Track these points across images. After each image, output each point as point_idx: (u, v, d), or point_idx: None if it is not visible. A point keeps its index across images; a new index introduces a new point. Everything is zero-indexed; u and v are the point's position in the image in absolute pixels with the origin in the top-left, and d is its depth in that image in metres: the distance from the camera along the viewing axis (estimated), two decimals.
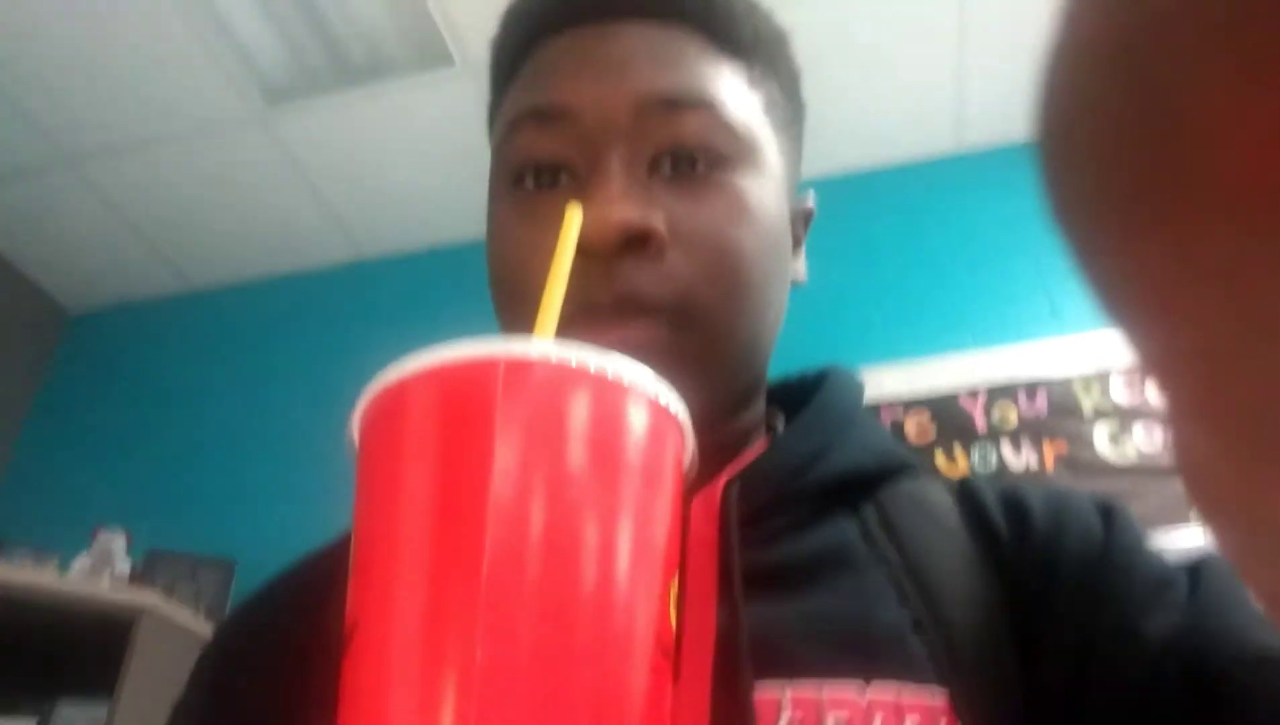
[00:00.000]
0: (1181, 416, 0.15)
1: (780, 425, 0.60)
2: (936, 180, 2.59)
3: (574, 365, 0.31)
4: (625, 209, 0.47)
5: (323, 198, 2.78)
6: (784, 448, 0.53)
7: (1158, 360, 0.15)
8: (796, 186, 0.62)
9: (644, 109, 0.51)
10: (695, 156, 0.51)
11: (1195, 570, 0.46)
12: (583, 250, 0.46)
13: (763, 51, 0.58)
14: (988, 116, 2.52)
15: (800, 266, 0.62)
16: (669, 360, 0.47)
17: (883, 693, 0.41)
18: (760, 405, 0.58)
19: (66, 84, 2.42)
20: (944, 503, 0.54)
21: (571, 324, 0.45)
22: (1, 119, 2.50)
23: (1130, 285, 0.14)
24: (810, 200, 0.64)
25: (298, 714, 0.45)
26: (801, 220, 0.63)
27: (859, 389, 0.61)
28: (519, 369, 0.30)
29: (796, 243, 0.62)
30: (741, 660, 0.40)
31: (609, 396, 0.31)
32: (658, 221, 0.48)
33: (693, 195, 0.51)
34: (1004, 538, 0.51)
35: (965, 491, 0.55)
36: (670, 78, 0.52)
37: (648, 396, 0.32)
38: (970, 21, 2.28)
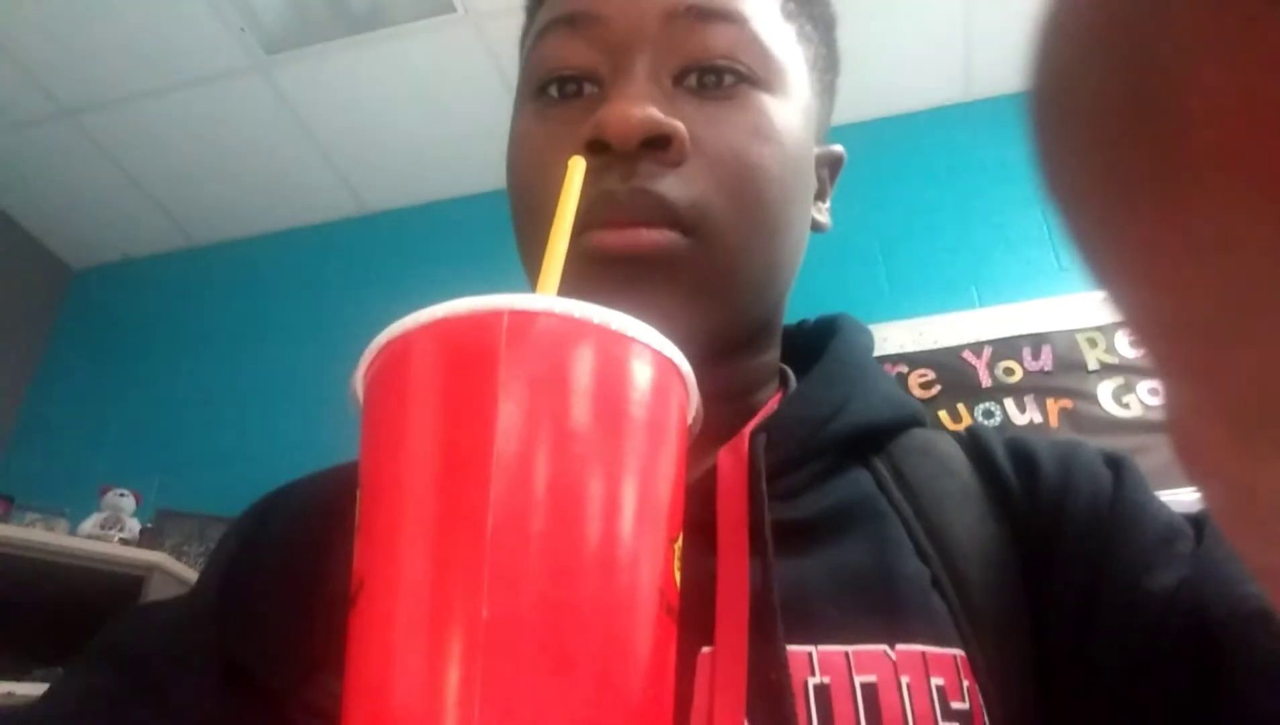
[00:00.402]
0: (1170, 381, 0.15)
1: (790, 375, 0.59)
2: (942, 131, 2.57)
3: (577, 316, 0.30)
4: (649, 108, 0.47)
5: (324, 150, 2.77)
6: (807, 398, 0.54)
7: (1147, 326, 0.15)
8: (826, 132, 0.62)
9: (673, 17, 0.50)
10: (721, 70, 0.51)
11: (1199, 522, 0.46)
12: (603, 145, 0.46)
13: None
14: (995, 66, 2.49)
15: (824, 214, 0.62)
16: (683, 273, 0.47)
17: (909, 655, 0.42)
18: (775, 351, 0.58)
19: (66, 37, 2.40)
20: (954, 453, 0.54)
21: (589, 215, 0.46)
22: (1, 73, 2.48)
23: (1120, 257, 0.14)
24: (840, 148, 0.64)
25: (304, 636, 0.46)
26: (828, 166, 0.63)
27: (869, 338, 0.62)
28: (522, 320, 0.30)
29: (822, 189, 0.62)
30: (776, 620, 0.41)
31: (613, 349, 0.31)
32: (681, 127, 0.48)
33: (716, 110, 0.50)
34: (1013, 489, 0.51)
35: (974, 441, 0.55)
36: None
37: (651, 348, 0.32)
38: None
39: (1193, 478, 0.16)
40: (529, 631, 0.26)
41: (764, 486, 0.45)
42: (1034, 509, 0.49)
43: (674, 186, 0.47)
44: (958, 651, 0.43)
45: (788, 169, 0.52)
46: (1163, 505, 0.48)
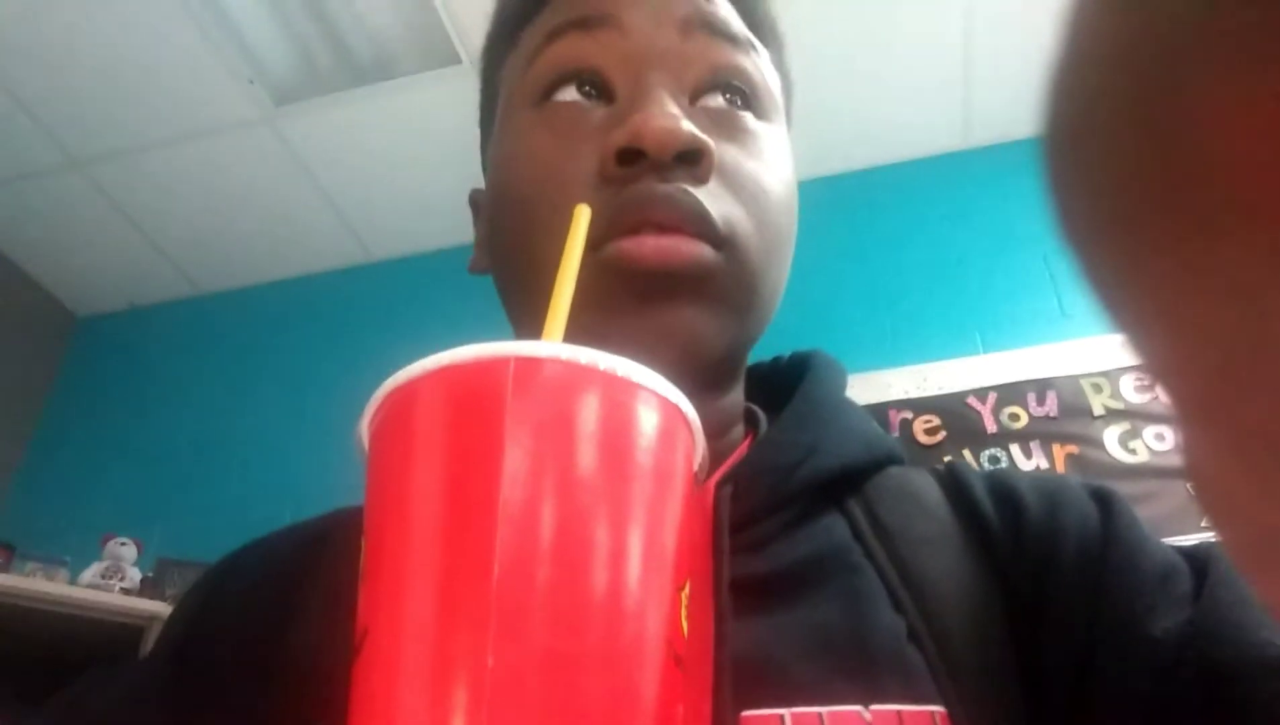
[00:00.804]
0: (1189, 423, 0.15)
1: (760, 416, 0.57)
2: (943, 178, 2.59)
3: (584, 363, 0.30)
4: (687, 121, 0.46)
5: (331, 199, 2.79)
6: (776, 443, 0.52)
7: (1166, 370, 0.15)
8: None
9: (691, 29, 0.51)
10: (736, 92, 0.51)
11: (1199, 560, 0.44)
12: (636, 154, 0.46)
13: (776, 44, 0.58)
14: (994, 114, 2.51)
15: None
16: (714, 291, 0.47)
17: (884, 716, 0.40)
18: (740, 391, 0.56)
19: (75, 87, 2.44)
20: (931, 492, 0.52)
21: (612, 224, 0.45)
22: (10, 122, 2.52)
23: (1139, 300, 0.14)
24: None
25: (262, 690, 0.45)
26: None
27: (843, 375, 0.60)
28: (529, 367, 0.30)
29: None
30: (726, 687, 0.39)
31: (619, 395, 0.31)
32: (713, 144, 0.47)
33: (734, 134, 0.50)
34: (995, 530, 0.49)
35: (952, 479, 0.53)
36: (718, 6, 0.52)
37: (658, 395, 0.32)
38: (977, 19, 2.27)
39: (1211, 518, 0.16)
40: (535, 682, 0.26)
41: (725, 538, 0.44)
42: (1019, 551, 0.48)
43: (706, 200, 0.47)
44: (936, 708, 0.41)
45: (790, 199, 0.53)
46: (1156, 542, 0.46)
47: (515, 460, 0.28)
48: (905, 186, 2.61)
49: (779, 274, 0.52)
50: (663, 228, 0.45)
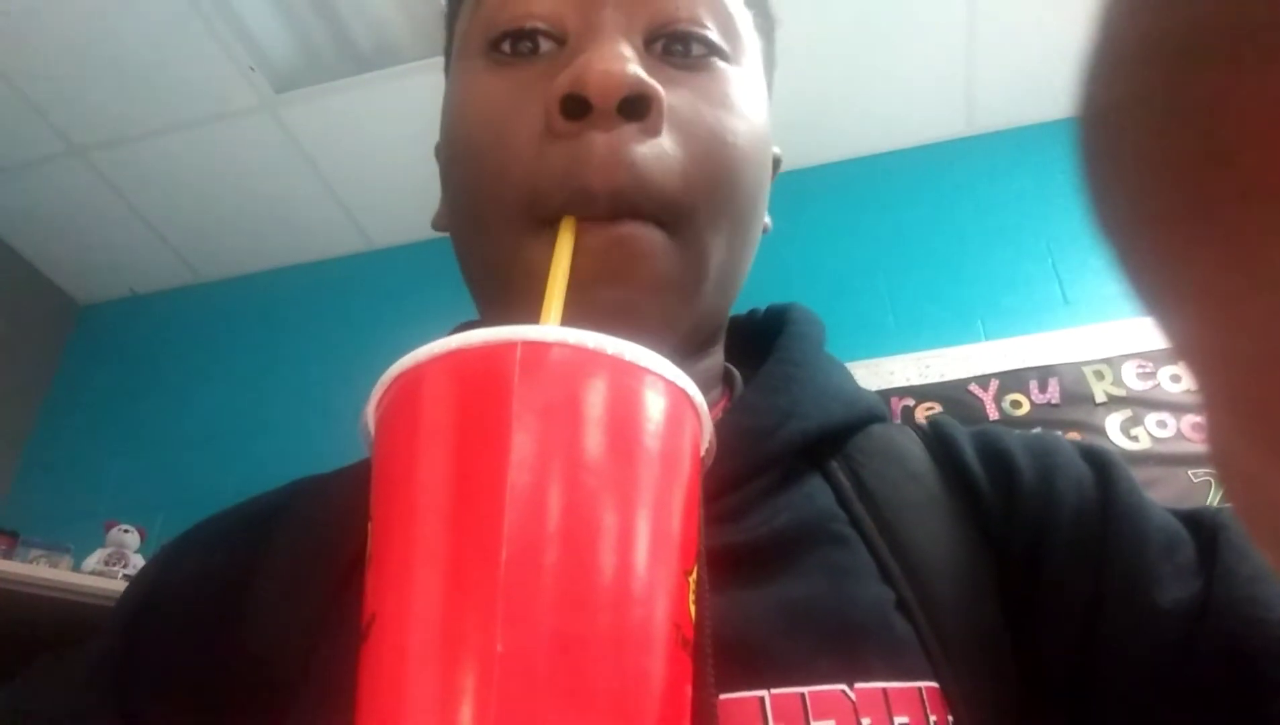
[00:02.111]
0: (1217, 409, 0.15)
1: (737, 377, 0.55)
2: (946, 165, 2.58)
3: (591, 347, 0.30)
4: (633, 65, 0.43)
5: (331, 186, 2.78)
6: (751, 407, 0.49)
7: (1196, 356, 0.15)
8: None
9: None
10: (693, 37, 0.48)
11: (1203, 527, 0.43)
12: (580, 103, 0.43)
13: None
14: (998, 101, 2.50)
15: (767, 215, 0.58)
16: (660, 267, 0.44)
17: (869, 694, 0.38)
18: (719, 353, 0.54)
19: (75, 74, 2.43)
20: (916, 453, 0.50)
21: (565, 184, 0.42)
22: (10, 110, 2.51)
23: (1173, 284, 0.14)
24: (777, 150, 0.60)
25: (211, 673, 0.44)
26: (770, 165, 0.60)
27: (820, 328, 0.57)
28: (536, 351, 0.30)
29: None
30: (707, 668, 0.37)
31: (626, 380, 0.31)
32: (661, 91, 0.44)
33: (689, 80, 0.47)
34: (985, 493, 0.47)
35: (938, 438, 0.51)
36: None
37: (665, 379, 0.32)
38: (980, 5, 2.26)
39: (1236, 505, 0.16)
40: (543, 665, 0.26)
41: (699, 509, 0.43)
42: (1012, 515, 0.46)
43: (655, 160, 0.44)
44: (925, 684, 0.40)
45: (757, 149, 0.49)
46: (1157, 507, 0.45)
47: (522, 444, 0.28)
48: (907, 173, 2.60)
49: (741, 243, 0.49)
50: (602, 192, 0.43)
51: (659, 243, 0.44)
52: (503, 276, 0.47)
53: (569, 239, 0.40)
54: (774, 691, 0.38)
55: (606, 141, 0.43)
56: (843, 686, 0.38)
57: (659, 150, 0.44)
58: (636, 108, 0.43)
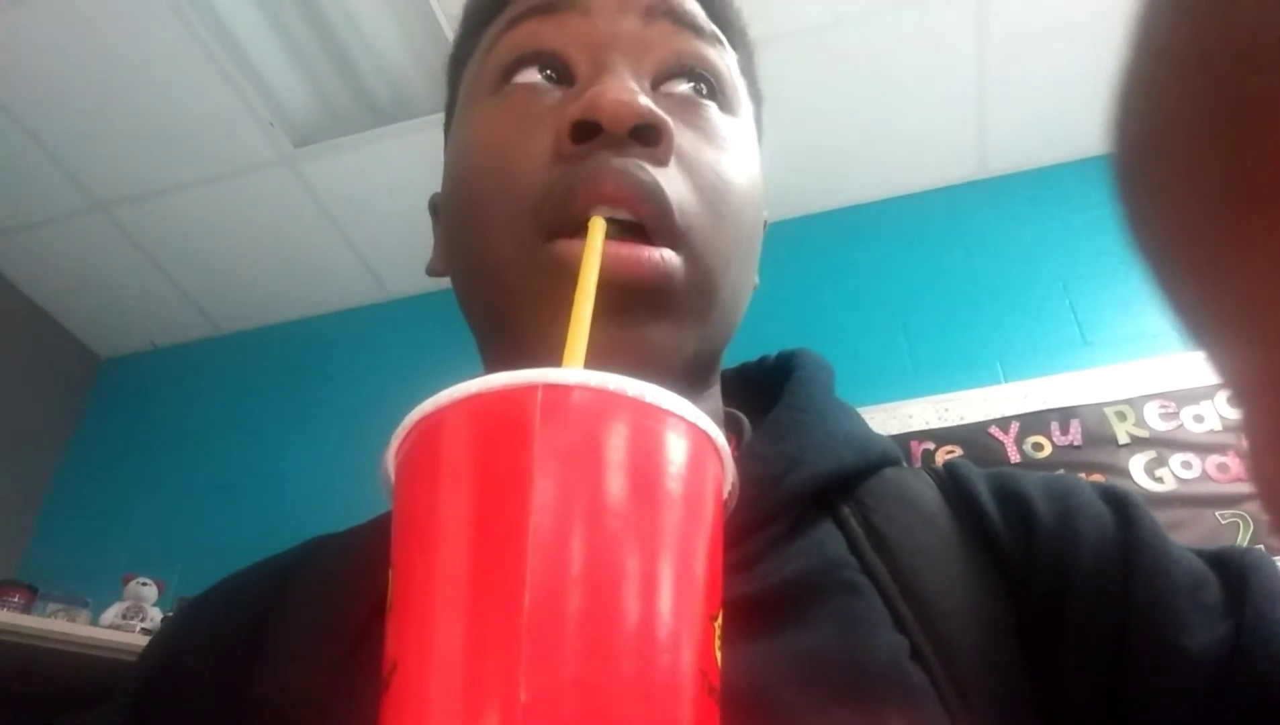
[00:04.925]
0: (1265, 443, 0.15)
1: (744, 423, 0.55)
2: (960, 208, 2.59)
3: (612, 389, 0.30)
4: (646, 99, 0.44)
5: (350, 239, 2.81)
6: (759, 455, 0.49)
7: (1244, 383, 0.14)
8: None
9: (655, 16, 0.49)
10: (699, 80, 0.49)
11: (1228, 568, 0.42)
12: (591, 128, 0.44)
13: (745, 50, 0.57)
14: (1008, 144, 2.52)
15: (756, 272, 0.58)
16: (671, 301, 0.44)
17: None
18: (716, 397, 0.54)
19: (96, 131, 2.47)
20: (930, 497, 0.49)
21: (572, 193, 0.43)
22: (34, 166, 2.55)
23: (1219, 308, 0.14)
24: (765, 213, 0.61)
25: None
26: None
27: (830, 374, 0.57)
28: (557, 395, 0.29)
29: None
30: (725, 713, 0.37)
31: (648, 422, 0.30)
32: (670, 122, 0.45)
33: (696, 122, 0.48)
34: (1003, 537, 0.46)
35: (953, 481, 0.50)
36: None
37: (686, 422, 0.31)
38: (990, 49, 2.28)
39: (1276, 519, 0.16)
40: (568, 714, 0.25)
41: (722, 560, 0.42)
42: (1030, 560, 0.45)
43: (665, 185, 0.44)
44: None
45: (754, 194, 0.50)
46: (1180, 548, 0.44)
47: (545, 489, 0.28)
48: (922, 217, 2.61)
49: (740, 275, 0.49)
50: (616, 202, 0.43)
51: (670, 262, 0.44)
52: (510, 298, 0.47)
53: (599, 237, 0.40)
54: None
55: (619, 160, 0.43)
56: None
57: (667, 175, 0.45)
58: (648, 136, 0.44)
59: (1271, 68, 0.11)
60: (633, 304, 0.43)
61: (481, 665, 0.26)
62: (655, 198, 0.43)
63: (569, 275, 0.41)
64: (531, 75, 0.49)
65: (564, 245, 0.43)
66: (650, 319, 0.44)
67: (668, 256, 0.44)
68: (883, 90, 2.36)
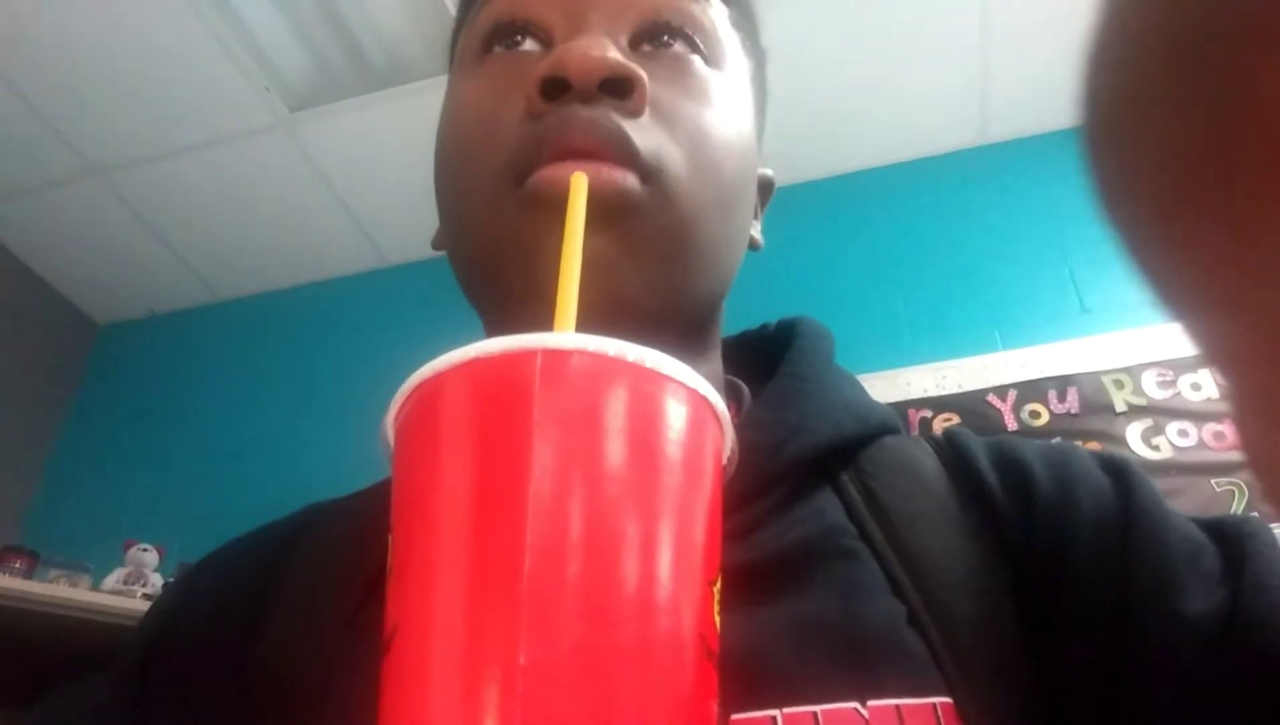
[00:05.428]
0: (1247, 409, 0.15)
1: (744, 391, 0.55)
2: (961, 175, 2.58)
3: (611, 354, 0.30)
4: (613, 49, 0.44)
5: (346, 204, 2.80)
6: (759, 422, 0.49)
7: (1220, 351, 0.14)
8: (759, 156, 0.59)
9: None
10: (678, 34, 0.49)
11: (1226, 536, 0.42)
12: (559, 84, 0.44)
13: (739, 5, 0.56)
14: (1011, 110, 2.50)
15: (759, 231, 0.58)
16: (640, 228, 0.44)
17: (883, 711, 0.38)
18: (715, 362, 0.54)
19: (92, 96, 2.45)
20: (929, 464, 0.50)
21: (532, 153, 0.43)
22: (28, 131, 2.54)
23: (1190, 274, 0.14)
24: (770, 172, 0.60)
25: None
26: (761, 189, 0.60)
27: (830, 342, 0.57)
28: (556, 360, 0.29)
29: (756, 209, 0.59)
30: (725, 680, 0.36)
31: (648, 387, 0.30)
32: (643, 74, 0.45)
33: (676, 76, 0.48)
34: (1001, 504, 0.46)
35: (952, 449, 0.50)
36: None
37: (686, 387, 0.31)
38: (993, 15, 2.26)
39: (1265, 484, 0.16)
40: (567, 677, 0.25)
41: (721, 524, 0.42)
42: (1029, 527, 0.45)
43: (636, 132, 0.44)
44: (939, 699, 0.39)
45: (739, 148, 0.50)
46: (1178, 515, 0.44)
47: (544, 453, 0.28)
48: (922, 183, 2.59)
49: (722, 228, 0.49)
50: (583, 154, 0.43)
51: (633, 185, 0.44)
52: (490, 247, 0.47)
53: (583, 194, 0.39)
54: (786, 711, 0.38)
55: (588, 110, 0.43)
56: (855, 704, 0.38)
57: (641, 125, 0.45)
58: (619, 88, 0.44)
59: (1249, 40, 0.11)
60: (590, 220, 0.40)
61: (481, 629, 0.26)
62: (621, 141, 0.43)
63: (540, 203, 0.42)
64: (512, 42, 0.49)
65: (532, 180, 0.43)
66: (604, 233, 0.43)
67: (629, 178, 0.43)
68: (885, 56, 2.34)
